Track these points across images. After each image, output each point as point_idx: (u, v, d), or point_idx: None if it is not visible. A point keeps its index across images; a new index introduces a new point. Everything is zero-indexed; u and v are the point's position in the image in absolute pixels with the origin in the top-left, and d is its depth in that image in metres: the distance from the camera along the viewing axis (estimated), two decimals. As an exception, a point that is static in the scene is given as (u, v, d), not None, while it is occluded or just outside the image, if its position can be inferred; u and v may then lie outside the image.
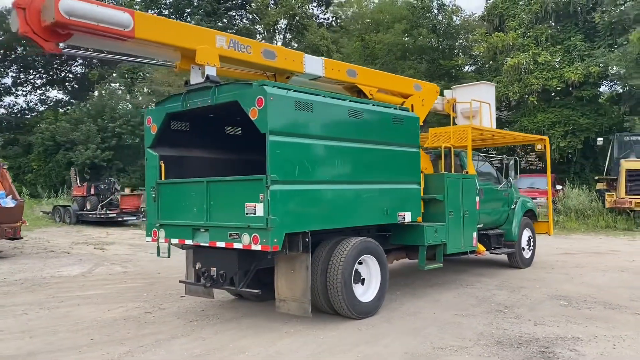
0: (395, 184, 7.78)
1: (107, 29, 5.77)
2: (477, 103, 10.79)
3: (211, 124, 7.94)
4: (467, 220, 9.09)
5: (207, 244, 6.66)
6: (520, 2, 28.07)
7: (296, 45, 48.47)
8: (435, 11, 32.16)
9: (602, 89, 26.68)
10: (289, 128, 6.24)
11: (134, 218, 22.31)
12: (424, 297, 8.39)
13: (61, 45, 5.96)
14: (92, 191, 23.04)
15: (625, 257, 12.60)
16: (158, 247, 7.40)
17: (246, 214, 6.18)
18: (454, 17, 32.95)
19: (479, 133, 10.63)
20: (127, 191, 23.87)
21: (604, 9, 23.74)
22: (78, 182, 25.23)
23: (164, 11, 47.16)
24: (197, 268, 7.08)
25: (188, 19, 44.54)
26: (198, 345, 5.95)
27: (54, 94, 52.78)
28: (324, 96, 6.84)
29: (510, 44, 26.62)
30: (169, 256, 7.32)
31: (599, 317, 7.07)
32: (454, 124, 11.51)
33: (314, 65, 8.12)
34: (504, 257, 11.26)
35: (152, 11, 45.11)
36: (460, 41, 32.75)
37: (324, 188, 6.64)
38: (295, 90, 6.47)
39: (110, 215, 21.79)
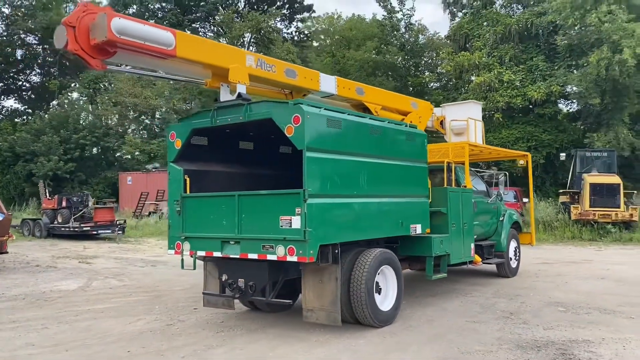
0: (409, 197, 8.19)
1: (152, 48, 5.94)
2: (467, 120, 11.38)
3: (227, 140, 8.17)
4: (466, 231, 9.59)
5: (237, 256, 6.85)
6: (485, 24, 29.36)
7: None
8: (403, 30, 33.18)
9: (561, 106, 28.10)
10: (323, 144, 6.55)
11: (109, 231, 21.92)
12: (430, 305, 8.78)
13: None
14: (64, 204, 22.51)
15: (599, 266, 13.42)
16: (182, 260, 7.51)
17: (281, 226, 6.43)
18: (420, 36, 34.11)
19: (470, 149, 11.20)
20: (109, 204, 23.43)
21: (565, 32, 25.14)
22: (47, 194, 24.58)
23: (128, 22, 46.56)
24: (223, 280, 7.25)
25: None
26: (238, 354, 6.13)
27: (10, 103, 51.11)
28: (348, 114, 7.20)
29: (477, 63, 27.79)
30: (194, 268, 7.44)
31: (599, 321, 7.63)
32: (443, 140, 12.09)
33: (328, 83, 8.47)
34: (493, 267, 11.83)
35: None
36: (425, 59, 33.87)
37: (351, 201, 6.97)
38: (325, 109, 6.80)
39: (84, 229, 21.34)
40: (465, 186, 10.14)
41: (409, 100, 10.44)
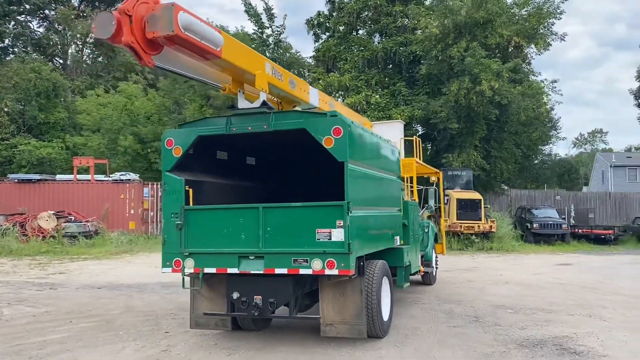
0: (393, 210, 8.53)
1: (205, 47, 5.45)
2: (396, 139, 12.14)
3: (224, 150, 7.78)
4: (418, 242, 10.23)
5: (259, 272, 6.50)
6: (354, 48, 31.21)
7: (107, 61, 45.59)
8: (273, 45, 33.67)
9: (418, 128, 30.88)
10: (357, 157, 6.60)
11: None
12: (398, 314, 9.15)
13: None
14: None
15: (490, 272, 15.13)
16: (183, 279, 6.87)
17: (318, 239, 6.29)
18: (287, 54, 34.92)
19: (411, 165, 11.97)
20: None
21: (426, 62, 27.86)
22: None
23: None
24: (234, 298, 6.80)
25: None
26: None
27: None
28: (363, 129, 7.33)
29: (347, 85, 29.37)
30: (201, 287, 6.83)
31: (553, 319, 8.70)
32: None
33: (314, 96, 8.48)
34: (417, 276, 12.67)
35: None
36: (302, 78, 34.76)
37: (370, 213, 7.09)
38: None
39: None
40: (414, 199, 10.81)
41: (361, 119, 10.84)
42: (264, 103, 6.59)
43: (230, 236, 6.65)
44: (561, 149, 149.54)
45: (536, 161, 41.76)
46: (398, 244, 8.64)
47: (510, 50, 27.57)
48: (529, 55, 28.97)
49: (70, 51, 46.83)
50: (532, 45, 27.66)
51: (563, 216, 27.98)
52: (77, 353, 6.73)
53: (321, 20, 34.35)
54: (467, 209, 22.46)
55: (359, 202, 6.60)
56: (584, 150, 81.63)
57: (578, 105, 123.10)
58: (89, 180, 27.09)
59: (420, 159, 12.61)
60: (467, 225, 22.19)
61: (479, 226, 22.25)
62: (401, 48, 29.45)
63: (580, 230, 27.42)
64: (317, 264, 6.26)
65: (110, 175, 28.44)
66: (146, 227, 27.69)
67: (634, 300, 10.66)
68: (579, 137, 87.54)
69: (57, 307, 9.99)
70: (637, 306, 9.97)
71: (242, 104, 6.73)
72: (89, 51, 48.11)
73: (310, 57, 34.85)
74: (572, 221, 28.89)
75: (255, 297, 6.70)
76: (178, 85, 34.61)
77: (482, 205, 22.64)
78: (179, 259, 6.79)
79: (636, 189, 40.43)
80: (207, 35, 5.46)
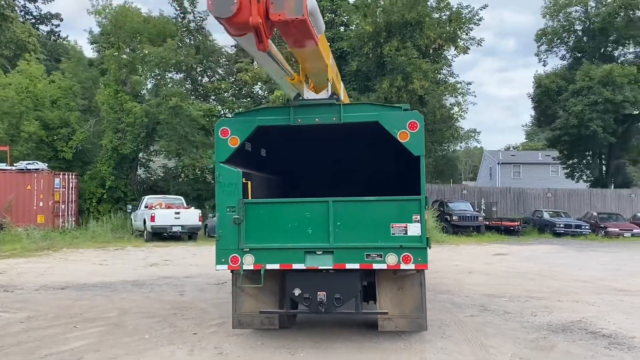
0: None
1: (313, 33, 5.16)
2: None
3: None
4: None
5: (328, 267, 6.34)
6: (283, 40, 30.88)
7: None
8: (194, 32, 32.37)
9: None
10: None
11: None
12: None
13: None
14: None
15: (445, 262, 15.87)
16: (241, 276, 6.48)
17: (393, 234, 6.26)
18: (207, 42, 33.74)
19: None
20: None
21: (353, 59, 28.37)
22: None
23: None
24: (297, 295, 6.55)
25: None
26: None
27: None
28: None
29: (276, 75, 29.06)
30: (262, 284, 6.48)
31: (552, 306, 9.37)
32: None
33: (343, 88, 8.37)
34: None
35: None
36: (220, 67, 33.79)
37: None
38: None
39: None
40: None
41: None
42: (333, 94, 6.40)
43: (295, 231, 6.40)
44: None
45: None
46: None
47: (431, 51, 28.95)
48: (448, 58, 30.64)
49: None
50: (453, 48, 29.24)
51: (477, 209, 30.02)
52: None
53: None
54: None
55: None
56: (458, 148, 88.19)
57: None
58: (-12, 169, 24.36)
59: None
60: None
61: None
62: (335, 43, 29.70)
63: (491, 222, 29.60)
64: (392, 259, 6.23)
65: (15, 164, 25.73)
66: (57, 220, 25.48)
67: (593, 285, 11.78)
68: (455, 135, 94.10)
69: (37, 311, 8.93)
70: (604, 291, 11.04)
71: (309, 94, 6.47)
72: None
73: (232, 46, 33.93)
74: (482, 214, 31.11)
75: (318, 293, 6.51)
76: (82, 69, 32.14)
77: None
78: (237, 255, 6.43)
79: (519, 184, 44.57)
80: (318, 22, 5.20)
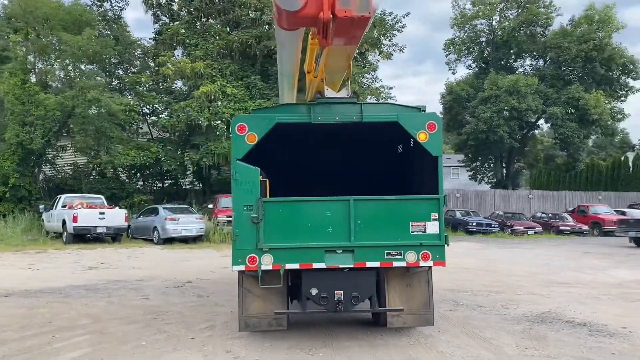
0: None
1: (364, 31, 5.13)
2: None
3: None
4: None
5: (349, 266, 6.35)
6: (207, 35, 30.05)
7: None
8: (111, 22, 30.62)
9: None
10: (438, 152, 6.81)
11: None
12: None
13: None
14: None
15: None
16: (260, 276, 6.29)
17: (412, 232, 6.40)
18: (125, 33, 32.08)
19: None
20: None
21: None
22: None
23: None
24: (313, 294, 6.48)
25: None
26: None
27: None
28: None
29: (202, 72, 28.24)
30: (281, 284, 6.31)
31: (520, 300, 10.01)
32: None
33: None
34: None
35: None
36: (136, 59, 32.19)
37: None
38: None
39: None
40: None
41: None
42: (354, 93, 6.41)
43: (315, 230, 6.34)
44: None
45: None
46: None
47: (357, 54, 29.62)
48: (372, 62, 31.49)
49: None
50: (377, 53, 30.11)
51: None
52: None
53: (162, 0, 32.33)
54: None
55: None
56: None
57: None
58: None
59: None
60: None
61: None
62: (261, 42, 29.36)
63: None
64: (411, 256, 6.36)
65: None
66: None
67: (535, 279, 12.72)
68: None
69: (22, 318, 8.11)
70: (549, 284, 11.95)
71: (329, 92, 6.43)
72: None
73: (151, 39, 32.52)
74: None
75: (336, 292, 6.49)
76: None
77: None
78: (255, 255, 6.25)
79: (448, 186, 47.08)
80: (368, 20, 5.17)
